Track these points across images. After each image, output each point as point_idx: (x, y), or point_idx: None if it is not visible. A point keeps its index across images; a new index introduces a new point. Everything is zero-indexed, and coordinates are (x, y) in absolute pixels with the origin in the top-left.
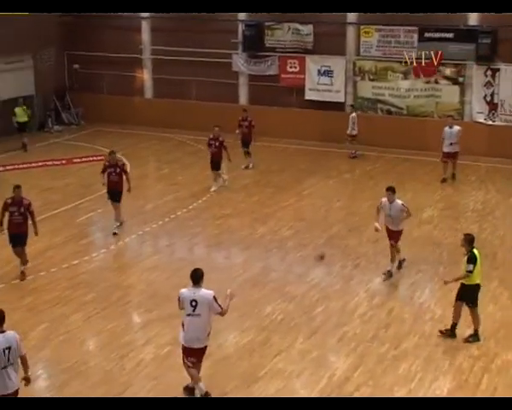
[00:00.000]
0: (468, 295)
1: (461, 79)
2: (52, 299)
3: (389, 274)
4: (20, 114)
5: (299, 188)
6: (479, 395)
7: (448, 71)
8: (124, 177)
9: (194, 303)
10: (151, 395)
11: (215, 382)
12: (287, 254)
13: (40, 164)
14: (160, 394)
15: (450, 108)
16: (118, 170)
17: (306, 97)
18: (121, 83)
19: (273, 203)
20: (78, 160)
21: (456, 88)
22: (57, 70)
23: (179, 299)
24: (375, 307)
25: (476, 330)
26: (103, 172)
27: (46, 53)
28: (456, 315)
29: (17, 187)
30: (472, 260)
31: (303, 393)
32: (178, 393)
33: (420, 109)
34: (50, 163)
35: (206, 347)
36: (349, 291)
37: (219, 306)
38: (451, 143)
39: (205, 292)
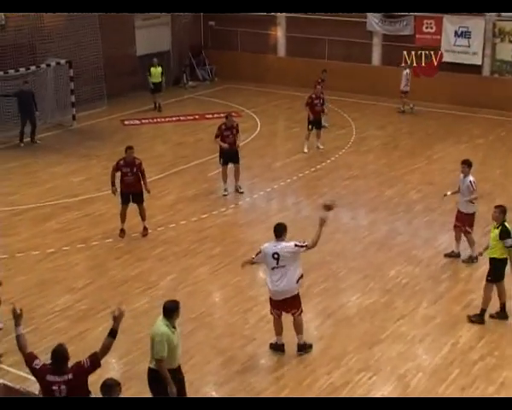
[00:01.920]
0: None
1: None
2: (181, 251)
3: (454, 255)
4: (155, 75)
5: (429, 152)
6: None
7: None
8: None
9: (276, 256)
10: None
11: (336, 342)
12: (414, 217)
13: (174, 119)
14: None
15: None
16: (234, 131)
17: (442, 60)
18: (255, 41)
19: (401, 167)
20: (211, 115)
21: None
22: (193, 27)
23: (260, 253)
24: (507, 276)
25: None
26: (217, 136)
27: None
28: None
29: (129, 148)
30: (508, 233)
31: (425, 358)
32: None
33: None
34: (184, 118)
35: (296, 295)
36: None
37: (303, 244)
38: None
39: (285, 244)
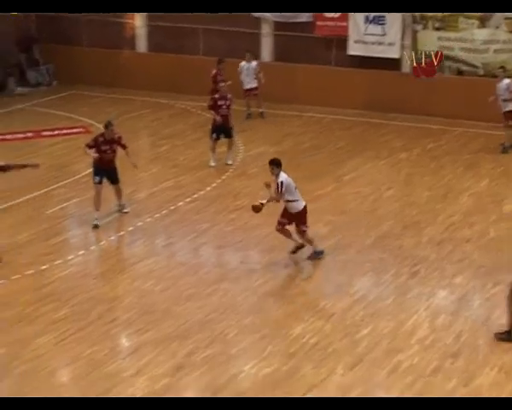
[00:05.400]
0: None
1: None
2: (12, 316)
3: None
4: None
5: (339, 172)
6: None
7: None
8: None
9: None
10: None
11: None
12: (322, 257)
13: None
14: None
15: None
16: (115, 146)
17: (350, 52)
18: (106, 32)
19: (304, 192)
20: (50, 132)
21: None
22: (20, 15)
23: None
24: (438, 330)
25: None
26: (91, 147)
27: None
28: None
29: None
30: None
31: None
32: None
33: None
34: (10, 137)
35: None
36: (404, 308)
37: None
38: None
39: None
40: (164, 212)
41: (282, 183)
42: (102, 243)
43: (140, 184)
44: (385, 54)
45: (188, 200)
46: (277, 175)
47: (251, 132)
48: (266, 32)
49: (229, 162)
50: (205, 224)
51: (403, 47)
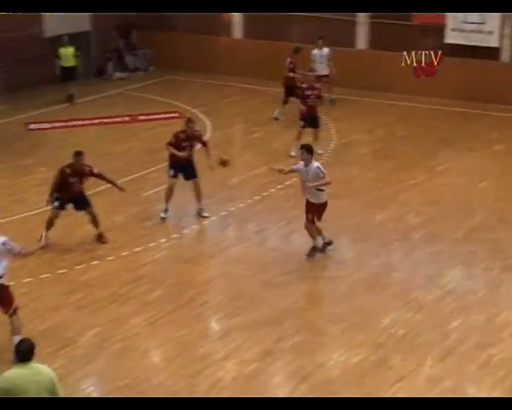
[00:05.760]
0: None
1: None
2: (107, 296)
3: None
4: (67, 57)
5: (432, 162)
6: None
7: None
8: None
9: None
10: None
11: None
12: (413, 248)
13: (96, 121)
14: None
15: None
16: (194, 142)
17: (447, 40)
18: (202, 18)
19: (396, 182)
20: (146, 117)
21: None
22: None
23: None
24: None
25: None
26: (172, 144)
27: None
28: None
29: (78, 153)
30: None
31: None
32: None
33: None
34: (109, 121)
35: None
36: (496, 302)
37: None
38: None
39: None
40: (256, 198)
41: (320, 166)
42: (195, 226)
43: (233, 170)
44: (483, 42)
45: (279, 187)
46: (308, 161)
47: (344, 121)
48: (362, 19)
49: (320, 152)
50: (296, 211)
51: (502, 36)
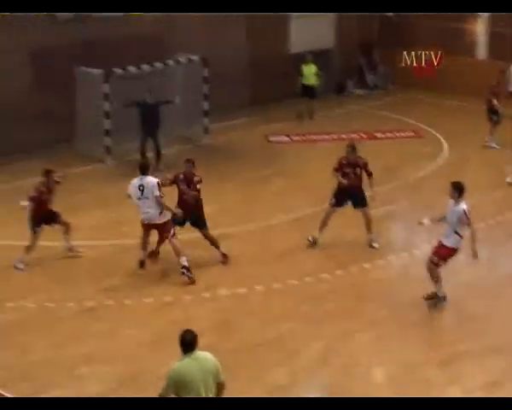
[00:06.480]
0: None
1: None
2: (335, 310)
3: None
4: (308, 75)
5: None
6: None
7: None
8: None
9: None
10: None
11: None
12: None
13: (334, 136)
14: None
15: None
16: (358, 170)
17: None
18: (443, 37)
19: None
20: (382, 134)
21: None
22: (365, 17)
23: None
24: None
25: None
26: (337, 170)
27: None
28: None
29: (187, 161)
30: None
31: None
32: None
33: None
34: (346, 136)
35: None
36: None
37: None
38: None
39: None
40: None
41: (467, 210)
42: (426, 245)
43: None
44: None
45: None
46: (457, 201)
47: None
48: None
49: None
50: None
51: None
